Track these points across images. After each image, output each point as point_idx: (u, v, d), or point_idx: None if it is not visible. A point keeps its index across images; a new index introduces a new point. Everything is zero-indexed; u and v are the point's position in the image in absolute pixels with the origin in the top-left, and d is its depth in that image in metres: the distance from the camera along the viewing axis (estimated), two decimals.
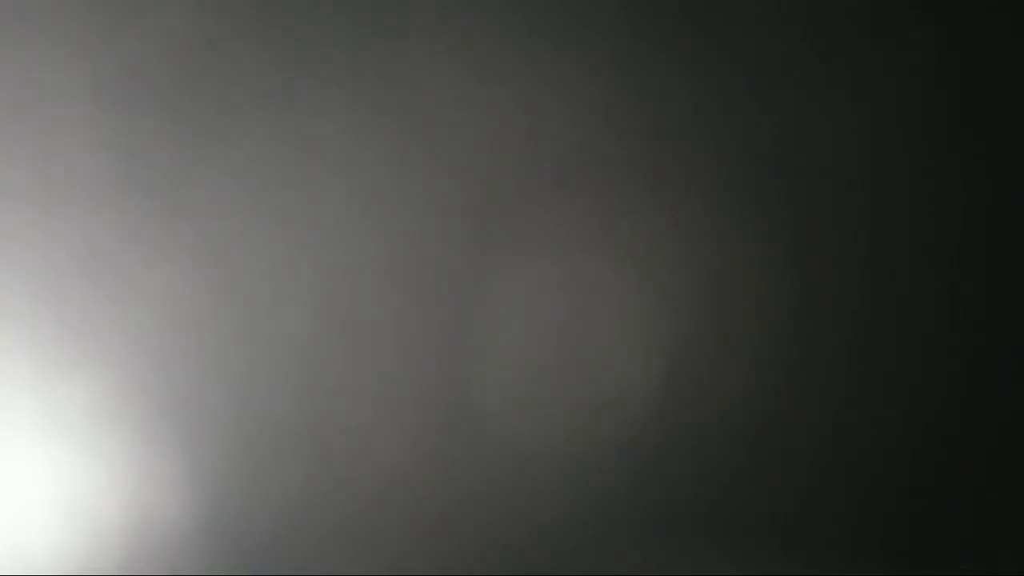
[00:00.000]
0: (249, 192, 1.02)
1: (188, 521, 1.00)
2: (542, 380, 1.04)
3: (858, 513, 1.06)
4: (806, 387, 1.05)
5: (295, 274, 1.02)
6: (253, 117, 1.02)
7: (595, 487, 1.04)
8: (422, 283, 1.03)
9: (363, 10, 1.03)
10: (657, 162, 1.05)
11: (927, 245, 1.06)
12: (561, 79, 1.04)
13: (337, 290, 1.02)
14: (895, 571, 1.06)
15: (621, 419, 1.04)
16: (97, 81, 1.00)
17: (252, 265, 1.01)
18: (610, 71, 1.05)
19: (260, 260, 1.02)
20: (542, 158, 1.04)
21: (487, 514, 1.03)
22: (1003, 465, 1.07)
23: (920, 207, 1.07)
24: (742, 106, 1.05)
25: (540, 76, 1.04)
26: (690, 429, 1.04)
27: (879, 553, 1.06)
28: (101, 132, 1.00)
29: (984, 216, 1.07)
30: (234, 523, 1.01)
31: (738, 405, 1.05)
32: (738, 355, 1.05)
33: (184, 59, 1.01)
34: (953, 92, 1.07)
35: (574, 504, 1.04)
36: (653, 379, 1.04)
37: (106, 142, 1.00)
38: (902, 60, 1.07)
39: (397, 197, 1.03)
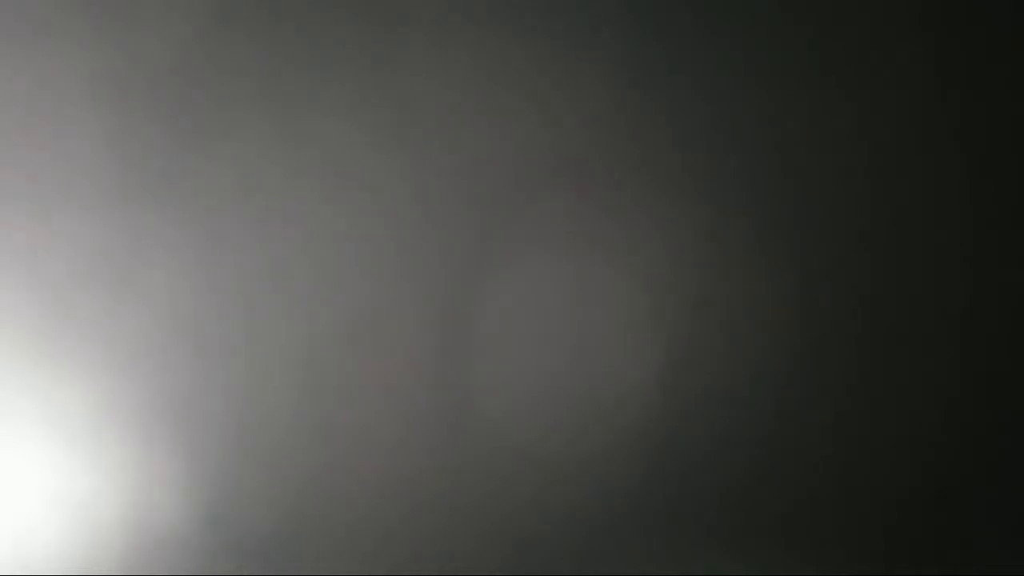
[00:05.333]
0: (251, 191, 1.02)
1: (188, 521, 1.00)
2: (543, 380, 1.03)
3: (859, 513, 1.06)
4: (806, 387, 1.05)
5: (296, 274, 1.02)
6: (255, 116, 1.02)
7: (595, 487, 1.04)
8: (423, 282, 1.03)
9: (366, 6, 1.03)
10: (659, 160, 1.05)
11: (928, 243, 1.06)
12: (564, 76, 1.04)
13: (338, 289, 1.02)
14: (896, 571, 1.06)
15: (622, 419, 1.04)
16: (97, 81, 1.00)
17: (253, 265, 1.01)
18: (614, 69, 1.05)
19: (261, 260, 1.02)
20: (544, 156, 1.04)
21: (488, 514, 1.03)
22: (1005, 465, 1.07)
23: (921, 206, 1.07)
24: (745, 106, 1.05)
25: (543, 73, 1.04)
26: (690, 429, 1.04)
27: (880, 553, 1.06)
28: (102, 132, 1.00)
29: (986, 215, 1.07)
30: (234, 523, 1.01)
31: (738, 405, 1.05)
32: (739, 355, 1.05)
33: (184, 58, 1.01)
34: (954, 92, 1.07)
35: (575, 504, 1.04)
36: (654, 379, 1.04)
37: (107, 142, 1.00)
38: (902, 60, 1.06)
39: (399, 196, 1.03)
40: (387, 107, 1.03)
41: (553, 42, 1.04)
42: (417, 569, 1.02)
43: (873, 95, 1.06)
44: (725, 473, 1.05)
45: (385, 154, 1.03)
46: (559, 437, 1.04)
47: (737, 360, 1.05)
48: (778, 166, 1.05)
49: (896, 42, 1.06)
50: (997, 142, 1.07)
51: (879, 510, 1.06)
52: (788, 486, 1.05)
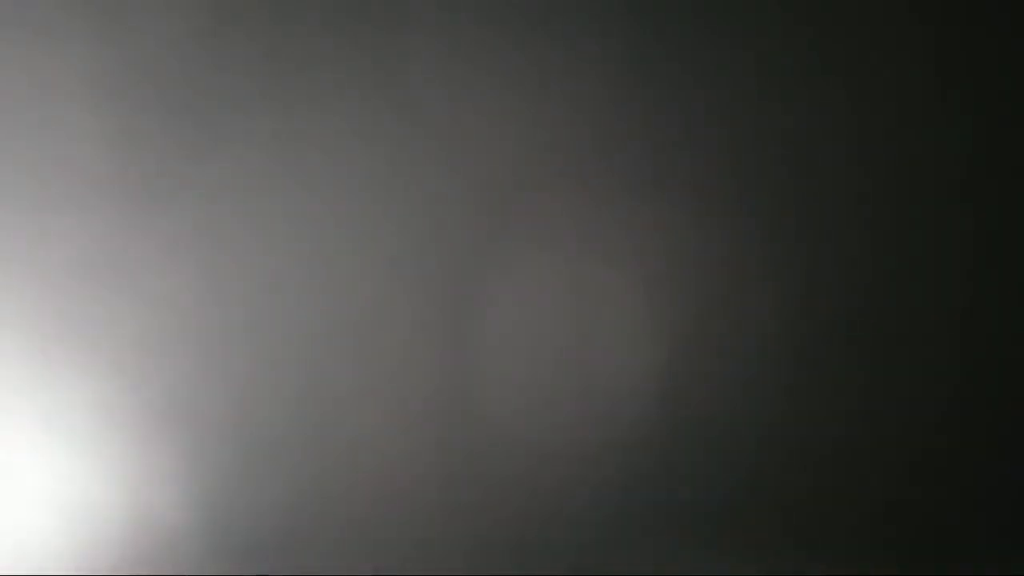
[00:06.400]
0: (251, 191, 1.02)
1: (188, 521, 1.00)
2: (543, 380, 1.03)
3: (859, 513, 1.06)
4: (807, 386, 1.05)
5: (297, 274, 1.02)
6: (254, 116, 1.02)
7: (596, 487, 1.04)
8: (424, 283, 1.03)
9: (365, 8, 1.03)
10: (660, 161, 1.05)
11: (929, 244, 1.06)
12: (564, 76, 1.04)
13: (339, 289, 1.02)
14: (896, 571, 1.05)
15: (622, 419, 1.04)
16: (97, 81, 1.00)
17: (254, 264, 1.02)
18: (613, 69, 1.05)
19: (262, 259, 1.02)
20: (545, 156, 1.04)
21: (488, 514, 1.03)
22: (1005, 465, 1.07)
23: (921, 206, 1.07)
24: (745, 105, 1.05)
25: (544, 73, 1.04)
26: (690, 429, 1.04)
27: (880, 553, 1.06)
28: (102, 132, 1.00)
29: (986, 215, 1.07)
30: (234, 523, 1.01)
31: (738, 405, 1.05)
32: (739, 355, 1.05)
33: (185, 58, 1.01)
34: (954, 92, 1.07)
35: (575, 504, 1.04)
36: (654, 379, 1.04)
37: (107, 142, 1.00)
38: (902, 60, 1.06)
39: (399, 197, 1.03)
40: (388, 108, 1.03)
41: (553, 42, 1.04)
42: (417, 569, 1.02)
43: (873, 95, 1.06)
44: (725, 473, 1.05)
45: (386, 154, 1.03)
46: (559, 437, 1.04)
47: (738, 360, 1.05)
48: (778, 166, 1.05)
49: (896, 42, 1.06)
50: (997, 142, 1.07)
51: (879, 510, 1.06)
52: (788, 486, 1.05)
